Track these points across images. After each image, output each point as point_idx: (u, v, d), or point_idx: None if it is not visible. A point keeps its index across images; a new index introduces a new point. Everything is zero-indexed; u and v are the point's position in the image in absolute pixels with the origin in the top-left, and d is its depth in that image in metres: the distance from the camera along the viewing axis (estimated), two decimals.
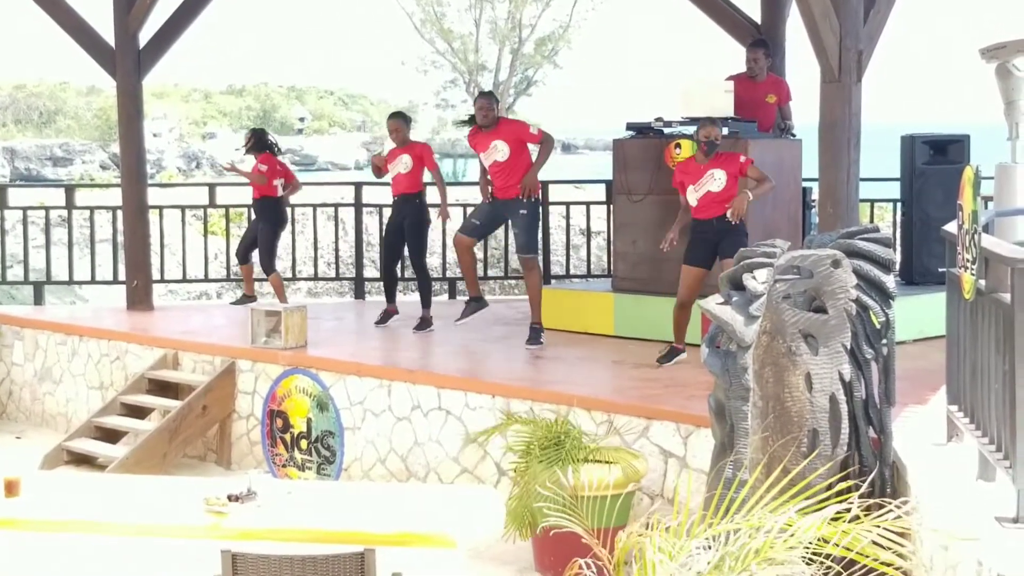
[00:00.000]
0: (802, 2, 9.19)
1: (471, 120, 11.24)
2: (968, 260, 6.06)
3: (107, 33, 13.08)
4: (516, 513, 7.96)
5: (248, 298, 13.23)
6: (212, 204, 14.48)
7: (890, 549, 5.02)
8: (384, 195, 12.28)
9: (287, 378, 10.59)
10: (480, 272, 13.57)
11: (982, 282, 5.94)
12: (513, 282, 16.00)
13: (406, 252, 11.99)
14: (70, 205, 14.29)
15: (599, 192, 14.97)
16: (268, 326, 10.94)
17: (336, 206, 14.78)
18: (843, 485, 6.03)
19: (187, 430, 10.83)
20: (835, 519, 5.12)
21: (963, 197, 6.17)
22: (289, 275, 14.92)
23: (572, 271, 14.47)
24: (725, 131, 10.64)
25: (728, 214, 9.75)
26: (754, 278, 6.88)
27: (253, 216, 13.31)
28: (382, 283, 12.34)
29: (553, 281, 14.06)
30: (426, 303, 11.89)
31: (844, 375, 6.87)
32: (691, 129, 10.72)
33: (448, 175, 29.88)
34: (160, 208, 14.21)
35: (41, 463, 10.84)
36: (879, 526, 5.05)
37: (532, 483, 7.87)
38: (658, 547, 5.01)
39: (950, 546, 5.62)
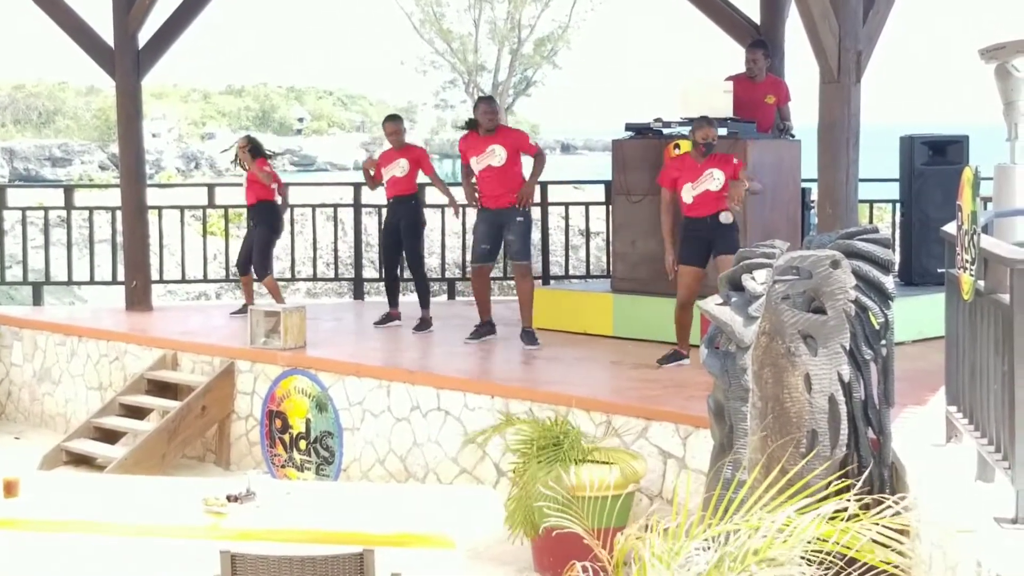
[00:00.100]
0: (801, 3, 9.19)
1: (471, 123, 11.22)
2: (967, 261, 6.06)
3: (106, 33, 13.08)
4: (515, 514, 7.97)
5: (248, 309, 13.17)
6: (211, 204, 14.48)
7: (889, 547, 5.03)
8: (383, 196, 12.26)
9: (286, 379, 10.59)
10: None
11: (981, 283, 5.94)
12: (512, 282, 15.98)
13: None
14: (69, 205, 14.28)
15: (598, 193, 14.97)
16: (267, 327, 10.94)
17: (335, 206, 14.78)
18: (841, 484, 6.04)
19: (186, 431, 10.83)
20: (833, 518, 5.12)
21: (962, 198, 6.17)
22: (288, 276, 14.93)
23: (571, 272, 14.47)
24: (723, 131, 10.65)
25: (728, 203, 9.73)
26: (753, 279, 6.88)
27: (250, 223, 13.11)
28: (384, 287, 12.31)
29: (552, 282, 14.06)
30: (424, 304, 11.89)
31: (843, 376, 6.87)
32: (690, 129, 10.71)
33: (447, 176, 29.82)
34: (159, 208, 14.21)
35: (40, 463, 10.83)
36: (879, 523, 5.05)
37: (531, 484, 7.87)
38: (653, 552, 5.00)
39: (949, 546, 5.63)
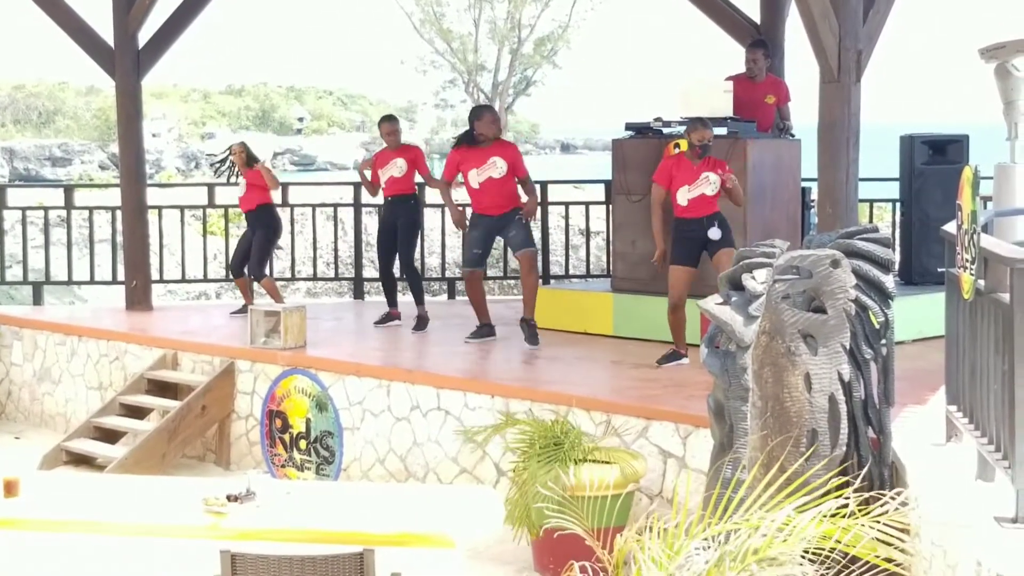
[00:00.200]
0: (801, 2, 9.19)
1: (467, 137, 11.02)
2: (967, 260, 6.06)
3: (106, 33, 13.08)
4: (515, 513, 7.97)
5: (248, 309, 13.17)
6: (211, 204, 14.47)
7: (889, 544, 5.03)
8: (383, 196, 12.25)
9: (286, 378, 10.59)
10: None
11: (981, 282, 5.93)
12: (512, 282, 16.00)
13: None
14: (69, 205, 14.28)
15: (598, 192, 14.97)
16: (267, 326, 10.94)
17: (335, 206, 14.77)
18: (839, 481, 6.04)
19: (186, 430, 10.83)
20: (833, 515, 5.13)
21: (962, 197, 6.17)
22: (288, 275, 14.93)
23: (571, 271, 14.47)
24: (723, 131, 10.66)
25: (729, 185, 9.72)
26: (753, 278, 6.88)
27: (247, 227, 13.03)
28: (382, 287, 12.29)
29: (552, 281, 14.06)
30: (419, 300, 11.85)
31: (843, 375, 6.88)
32: None
33: None
34: (159, 208, 14.21)
35: (40, 463, 10.83)
36: (879, 521, 5.05)
37: (531, 483, 7.87)
38: (650, 555, 5.00)
39: (949, 546, 5.63)
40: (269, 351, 10.82)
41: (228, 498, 6.39)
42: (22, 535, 6.47)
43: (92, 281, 14.71)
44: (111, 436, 11.22)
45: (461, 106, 49.27)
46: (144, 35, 13.07)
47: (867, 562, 5.24)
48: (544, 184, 14.00)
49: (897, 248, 11.84)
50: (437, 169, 12.59)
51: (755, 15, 13.02)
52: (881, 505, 5.12)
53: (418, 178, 12.04)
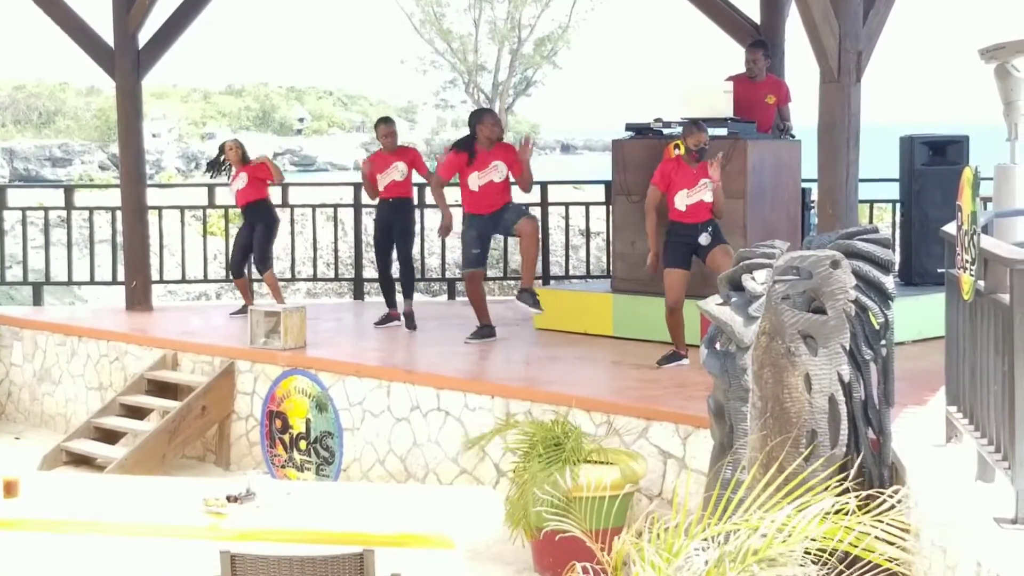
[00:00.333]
0: (802, 3, 9.19)
1: (467, 142, 11.01)
2: (967, 261, 6.06)
3: (106, 33, 13.08)
4: (515, 514, 7.96)
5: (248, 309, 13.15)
6: (211, 205, 14.47)
7: (889, 543, 5.03)
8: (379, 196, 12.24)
9: (286, 379, 10.59)
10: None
11: (981, 283, 5.94)
12: (513, 282, 16.00)
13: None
14: (69, 206, 14.29)
15: (598, 193, 14.97)
16: (267, 327, 10.94)
17: (335, 207, 14.78)
18: (837, 479, 6.04)
19: (186, 431, 10.83)
20: (832, 515, 5.13)
21: (962, 198, 6.17)
22: (288, 276, 14.93)
23: (571, 272, 14.47)
24: (723, 131, 10.66)
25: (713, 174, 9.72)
26: (753, 279, 6.88)
27: (244, 223, 12.98)
28: (381, 288, 12.28)
29: (552, 282, 14.06)
30: (407, 295, 11.82)
31: (843, 376, 6.88)
32: None
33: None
34: (159, 209, 14.22)
35: (40, 464, 10.84)
36: (881, 520, 5.05)
37: (531, 484, 7.87)
38: (648, 559, 5.00)
39: (949, 546, 5.63)
40: (269, 351, 10.83)
41: (228, 499, 6.39)
42: (22, 535, 6.46)
43: (92, 281, 14.71)
44: (111, 436, 11.22)
45: (461, 106, 49.27)
46: (144, 35, 13.07)
47: (867, 562, 5.25)
48: (544, 184, 14.00)
49: (897, 249, 11.84)
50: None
51: (755, 15, 13.03)
52: (880, 504, 5.12)
53: (418, 178, 12.03)
